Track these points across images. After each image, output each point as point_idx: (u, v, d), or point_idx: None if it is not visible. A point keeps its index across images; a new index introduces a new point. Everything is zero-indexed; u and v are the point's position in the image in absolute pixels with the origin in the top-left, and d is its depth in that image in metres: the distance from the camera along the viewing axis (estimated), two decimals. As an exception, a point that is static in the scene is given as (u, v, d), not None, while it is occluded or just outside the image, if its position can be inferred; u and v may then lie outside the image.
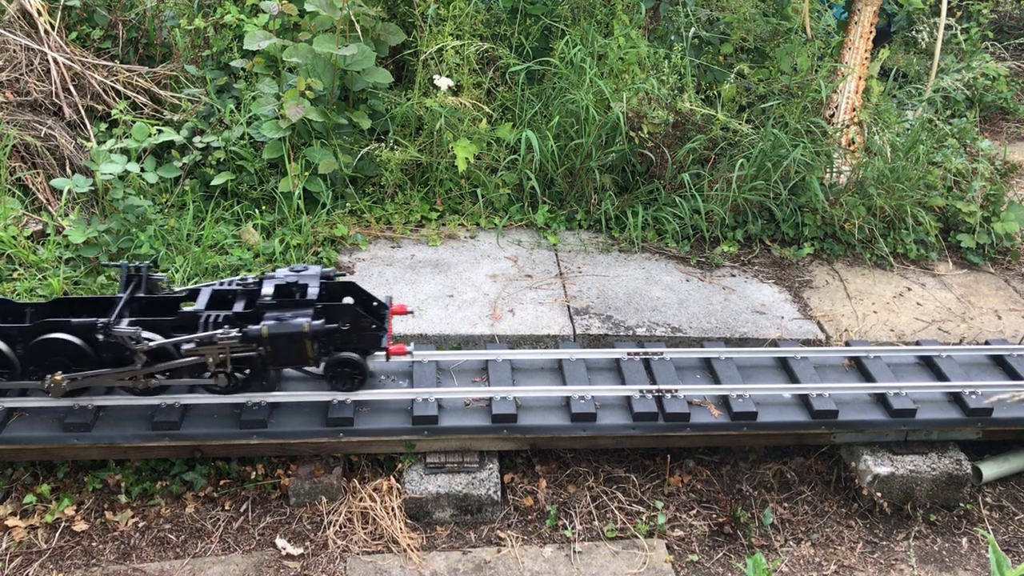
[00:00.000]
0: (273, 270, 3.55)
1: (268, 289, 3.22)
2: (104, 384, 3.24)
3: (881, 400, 3.47)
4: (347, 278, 4.39)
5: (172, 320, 3.19)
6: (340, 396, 3.31)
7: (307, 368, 3.38)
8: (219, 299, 3.31)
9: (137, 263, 3.36)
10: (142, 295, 3.31)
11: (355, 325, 3.25)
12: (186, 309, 3.25)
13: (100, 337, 3.08)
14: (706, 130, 4.94)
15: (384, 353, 3.34)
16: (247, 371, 3.23)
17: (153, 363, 3.16)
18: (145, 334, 3.09)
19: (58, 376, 3.12)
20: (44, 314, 3.25)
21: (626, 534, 3.27)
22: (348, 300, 3.32)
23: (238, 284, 3.34)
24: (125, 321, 3.14)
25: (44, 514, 3.21)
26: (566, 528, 3.28)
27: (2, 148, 4.58)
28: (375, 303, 3.38)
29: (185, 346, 3.11)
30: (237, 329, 3.11)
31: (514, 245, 4.85)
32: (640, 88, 4.98)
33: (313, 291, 3.25)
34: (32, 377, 3.17)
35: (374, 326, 3.29)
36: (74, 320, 3.10)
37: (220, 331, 3.10)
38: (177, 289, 3.42)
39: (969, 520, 3.43)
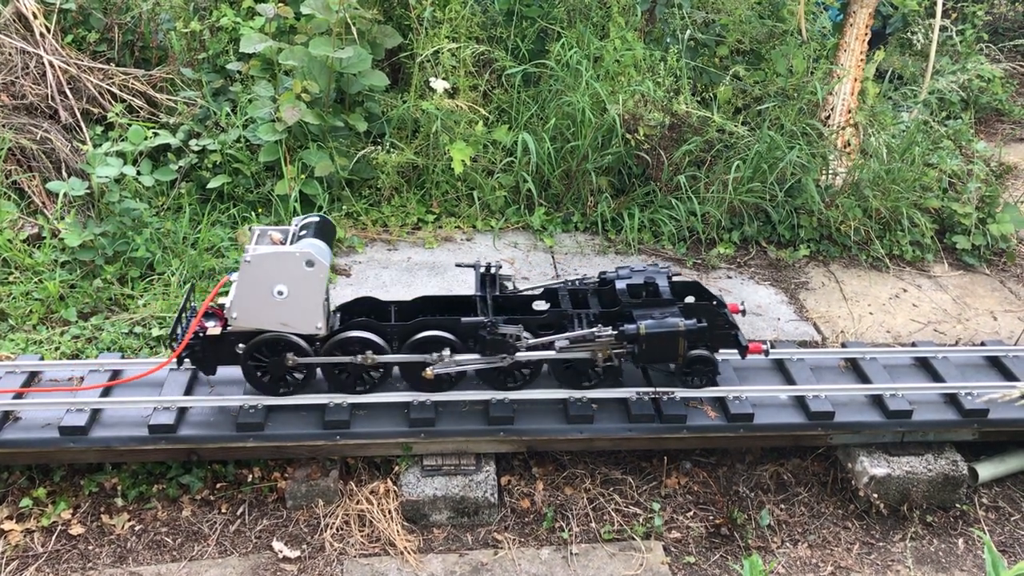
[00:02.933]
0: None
1: (621, 287, 3.34)
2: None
3: (877, 401, 3.47)
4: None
5: (541, 319, 3.29)
6: (337, 399, 3.31)
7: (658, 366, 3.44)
8: (573, 299, 3.44)
9: (488, 263, 3.49)
10: (498, 294, 3.41)
11: (711, 323, 3.28)
12: (536, 307, 3.40)
13: (485, 335, 3.16)
14: (702, 132, 4.95)
15: (740, 351, 3.36)
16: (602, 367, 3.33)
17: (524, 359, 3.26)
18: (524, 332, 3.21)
19: (429, 372, 3.19)
20: (408, 311, 3.36)
21: (623, 536, 3.27)
22: (690, 299, 3.41)
23: (580, 283, 3.48)
24: (500, 320, 3.23)
25: (40, 517, 3.21)
26: (563, 530, 3.28)
27: (-2, 151, 4.58)
28: (715, 301, 3.42)
29: (559, 344, 3.18)
30: (611, 327, 3.18)
31: (511, 247, 4.85)
32: (636, 90, 4.99)
33: (664, 289, 3.33)
34: (403, 371, 3.30)
35: (727, 324, 3.34)
36: (464, 319, 3.20)
37: (596, 329, 3.18)
38: (522, 289, 3.53)
39: (965, 521, 3.43)
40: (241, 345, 3.16)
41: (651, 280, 3.39)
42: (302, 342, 3.17)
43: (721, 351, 3.42)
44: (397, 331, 3.24)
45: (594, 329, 3.19)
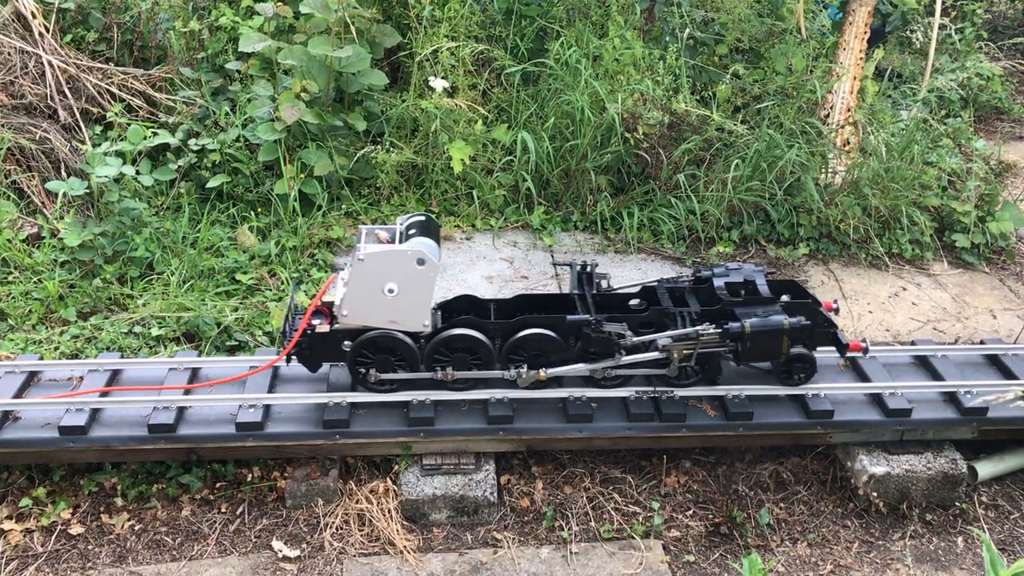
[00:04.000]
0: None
1: (720, 284, 3.36)
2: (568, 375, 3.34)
3: (877, 400, 3.47)
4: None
5: (642, 316, 3.32)
6: (336, 398, 3.31)
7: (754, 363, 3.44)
8: (671, 297, 3.45)
9: (585, 261, 3.51)
10: (595, 292, 3.43)
11: (812, 321, 3.29)
12: (632, 304, 3.44)
13: (589, 333, 3.18)
14: (701, 131, 4.95)
15: (840, 349, 3.36)
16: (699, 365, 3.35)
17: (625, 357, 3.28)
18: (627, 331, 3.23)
19: (542, 373, 3.24)
20: (507, 309, 3.38)
21: (622, 535, 3.27)
22: (785, 297, 3.42)
23: (673, 282, 3.51)
24: (603, 317, 3.25)
25: (40, 517, 3.21)
26: (563, 529, 3.28)
27: (-3, 151, 4.57)
28: (810, 299, 3.43)
29: (662, 342, 3.19)
30: (715, 326, 3.20)
31: (510, 246, 4.85)
32: (635, 89, 4.99)
33: (763, 288, 3.35)
34: (506, 367, 3.31)
35: (826, 323, 3.35)
36: (569, 317, 3.21)
37: (700, 327, 3.19)
38: (616, 287, 3.54)
39: (965, 519, 3.44)
40: (347, 342, 3.20)
41: (750, 278, 3.40)
42: (408, 339, 3.20)
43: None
44: (499, 328, 3.26)
45: (698, 327, 3.20)
